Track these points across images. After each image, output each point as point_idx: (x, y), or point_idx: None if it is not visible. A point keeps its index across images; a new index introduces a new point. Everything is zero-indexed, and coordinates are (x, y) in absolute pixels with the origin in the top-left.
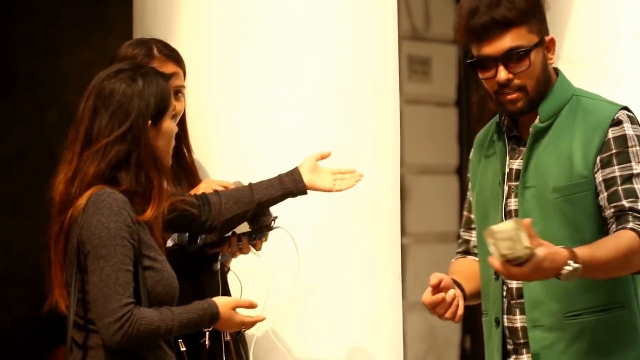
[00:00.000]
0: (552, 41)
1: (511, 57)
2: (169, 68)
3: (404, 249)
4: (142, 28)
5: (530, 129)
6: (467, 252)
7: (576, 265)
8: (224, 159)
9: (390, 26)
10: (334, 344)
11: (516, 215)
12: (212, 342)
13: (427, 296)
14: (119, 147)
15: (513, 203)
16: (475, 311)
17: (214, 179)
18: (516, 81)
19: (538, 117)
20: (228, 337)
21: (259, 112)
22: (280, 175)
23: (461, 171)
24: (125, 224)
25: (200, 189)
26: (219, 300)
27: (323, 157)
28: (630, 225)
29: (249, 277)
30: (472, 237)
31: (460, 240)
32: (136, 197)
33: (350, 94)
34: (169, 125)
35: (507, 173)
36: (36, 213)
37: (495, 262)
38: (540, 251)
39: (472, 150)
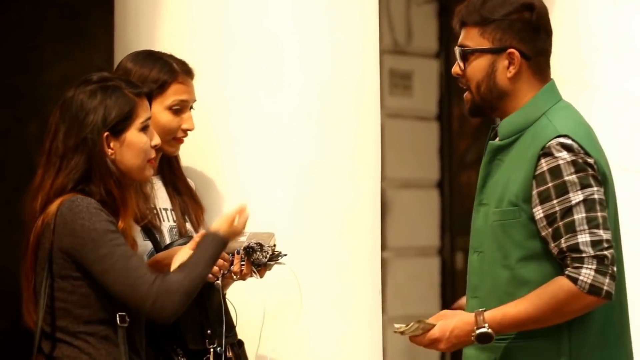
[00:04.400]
0: (512, 54)
1: (458, 54)
2: (189, 84)
3: (384, 263)
4: (124, 42)
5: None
6: None
7: (482, 330)
8: (204, 174)
9: (371, 40)
10: (314, 358)
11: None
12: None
13: None
14: (77, 159)
15: None
16: None
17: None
18: (463, 79)
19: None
20: (230, 354)
21: (239, 127)
22: None
23: (442, 185)
24: (107, 220)
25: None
26: (216, 225)
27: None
28: (567, 271)
29: (238, 294)
30: None
31: None
32: (107, 208)
33: (332, 107)
34: (136, 136)
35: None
36: (16, 226)
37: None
38: (440, 324)
39: None
